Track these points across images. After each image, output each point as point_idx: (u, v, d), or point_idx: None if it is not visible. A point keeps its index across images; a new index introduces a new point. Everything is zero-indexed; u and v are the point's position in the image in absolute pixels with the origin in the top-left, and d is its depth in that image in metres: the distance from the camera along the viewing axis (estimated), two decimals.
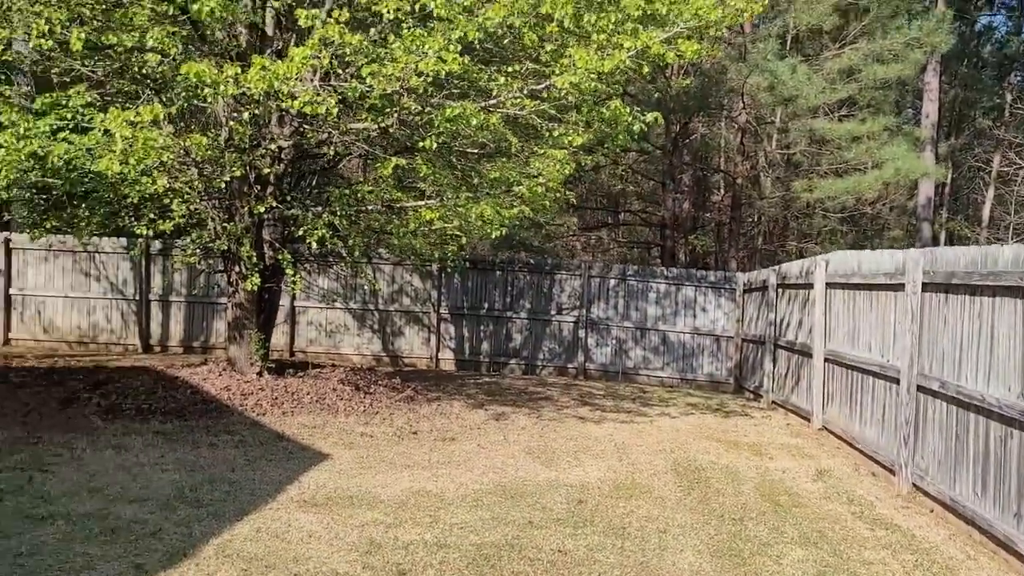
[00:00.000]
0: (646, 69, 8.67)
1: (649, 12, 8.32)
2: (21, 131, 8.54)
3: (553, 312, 16.06)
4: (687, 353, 15.88)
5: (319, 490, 6.87)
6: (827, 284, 10.74)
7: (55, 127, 9.19)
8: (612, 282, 16.04)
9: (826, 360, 10.64)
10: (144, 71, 9.80)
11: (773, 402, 13.13)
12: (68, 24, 8.74)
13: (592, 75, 8.16)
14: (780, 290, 13.09)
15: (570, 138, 9.06)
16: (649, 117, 8.77)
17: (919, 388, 7.65)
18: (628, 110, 8.75)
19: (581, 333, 15.94)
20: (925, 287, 7.63)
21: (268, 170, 9.99)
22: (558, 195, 10.95)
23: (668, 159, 20.62)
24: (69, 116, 9.45)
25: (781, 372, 12.89)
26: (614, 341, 15.99)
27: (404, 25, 8.47)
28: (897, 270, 8.36)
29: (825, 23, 18.56)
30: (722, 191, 24.29)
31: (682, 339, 15.88)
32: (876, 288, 8.98)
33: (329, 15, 8.22)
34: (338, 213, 10.29)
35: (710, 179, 25.25)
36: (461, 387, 13.15)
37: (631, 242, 26.44)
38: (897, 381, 8.13)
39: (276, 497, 6.60)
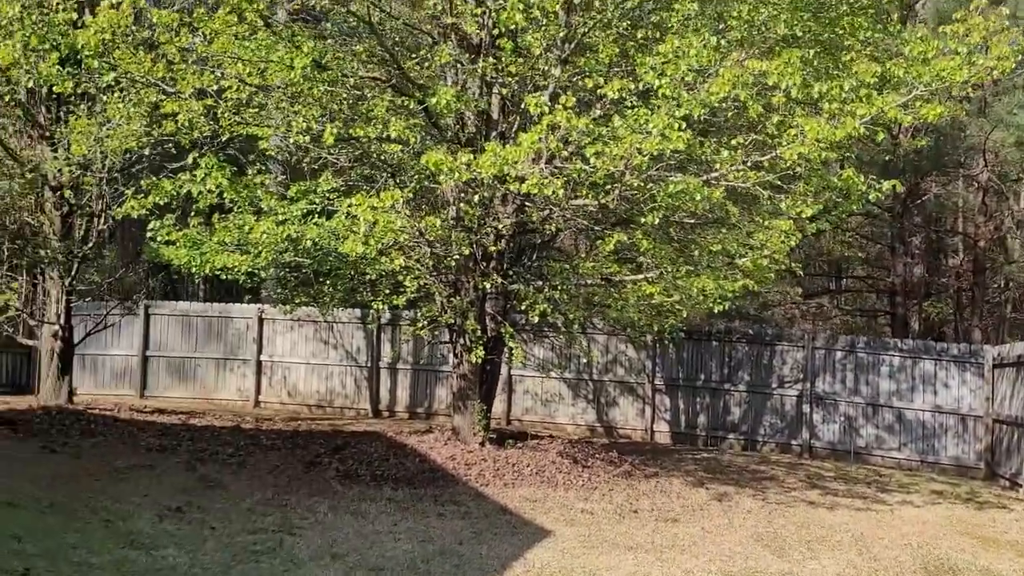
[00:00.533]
0: (881, 135, 8.23)
1: (885, 76, 7.92)
2: (279, 217, 9.47)
3: (774, 385, 15.33)
4: (927, 433, 14.52)
5: (544, 569, 6.87)
6: None
7: (305, 211, 10.12)
8: (839, 354, 15.08)
9: None
10: (383, 158, 10.61)
11: None
12: (319, 119, 9.69)
13: (822, 145, 7.85)
14: None
15: (799, 209, 8.72)
16: (886, 185, 8.28)
17: None
18: (862, 178, 8.31)
19: (805, 408, 15.06)
20: None
21: (492, 247, 10.40)
22: (782, 266, 10.54)
23: (898, 222, 19.34)
24: (317, 201, 10.39)
25: None
26: (842, 417, 14.96)
27: (626, 103, 8.60)
28: None
29: None
30: (960, 255, 22.38)
31: (921, 417, 14.56)
32: None
33: (553, 100, 8.53)
34: (558, 287, 10.49)
35: (945, 242, 23.37)
36: (679, 462, 12.78)
37: (856, 310, 24.88)
38: None
39: (503, 574, 6.66)
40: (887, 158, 17.63)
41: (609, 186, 8.97)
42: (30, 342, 14.84)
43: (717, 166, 8.80)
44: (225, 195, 9.90)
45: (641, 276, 10.36)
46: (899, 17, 14.19)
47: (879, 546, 8.24)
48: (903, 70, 8.01)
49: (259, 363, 16.98)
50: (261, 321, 16.99)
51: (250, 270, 10.35)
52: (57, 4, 9.29)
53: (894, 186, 8.46)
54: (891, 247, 20.29)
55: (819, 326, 24.93)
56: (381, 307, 11.26)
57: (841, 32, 8.89)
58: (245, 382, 17.04)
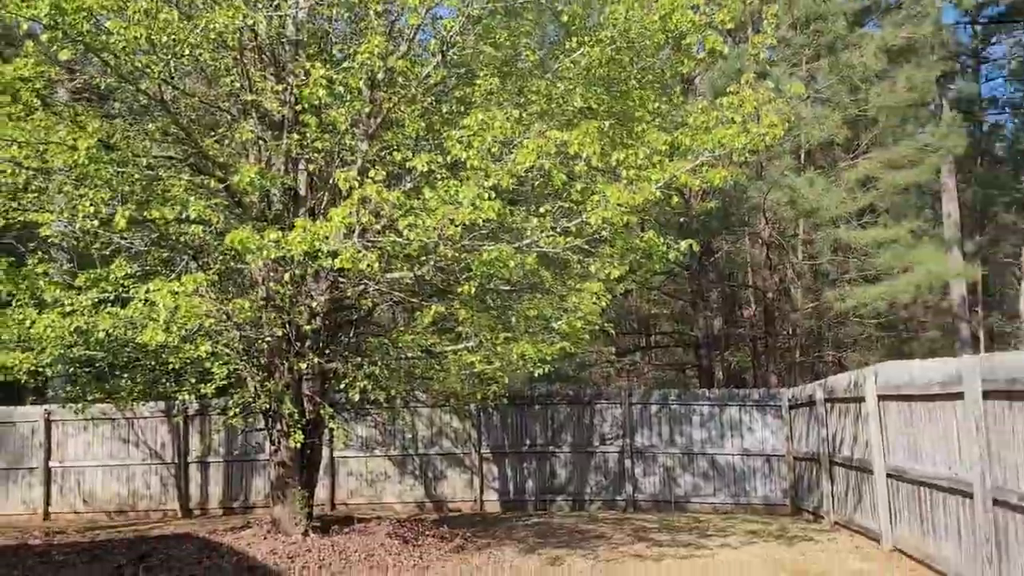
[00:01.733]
0: (675, 199, 8.80)
1: (674, 144, 8.49)
2: (66, 308, 8.69)
3: (596, 443, 15.69)
4: (738, 476, 15.35)
5: None
6: (879, 396, 10.43)
7: (97, 300, 9.37)
8: (654, 408, 15.72)
9: (888, 476, 10.20)
10: (183, 239, 10.05)
11: (836, 523, 12.55)
12: (109, 202, 9.06)
13: (624, 209, 8.25)
14: (828, 405, 12.75)
15: (607, 271, 9.08)
16: (683, 245, 8.80)
17: (995, 502, 7.26)
18: (662, 240, 8.80)
19: (627, 463, 15.51)
20: (987, 395, 7.38)
21: (307, 326, 10.05)
22: (596, 327, 10.90)
23: (696, 279, 20.66)
24: (111, 288, 9.66)
25: (841, 491, 12.37)
26: (661, 469, 15.53)
27: (436, 175, 8.68)
28: (950, 379, 8.11)
29: (837, 136, 18.95)
30: (753, 306, 24.20)
31: (731, 462, 15.39)
32: (933, 399, 8.70)
33: (363, 174, 8.46)
34: (378, 363, 10.27)
35: (739, 295, 25.22)
36: (510, 530, 12.70)
37: (666, 364, 26.18)
38: (970, 496, 7.74)
39: None
40: (682, 220, 18.91)
41: (424, 257, 8.96)
42: None
43: (528, 233, 9.02)
44: (1, 288, 9.01)
45: (461, 346, 10.35)
46: (680, 90, 15.44)
47: None
48: (689, 138, 8.63)
49: (48, 470, 15.31)
50: (48, 423, 15.37)
51: (33, 368, 9.41)
52: None
53: (691, 245, 9.01)
54: (692, 303, 21.61)
55: (634, 382, 26.00)
56: (188, 397, 10.56)
57: (632, 104, 9.49)
58: (32, 493, 15.28)
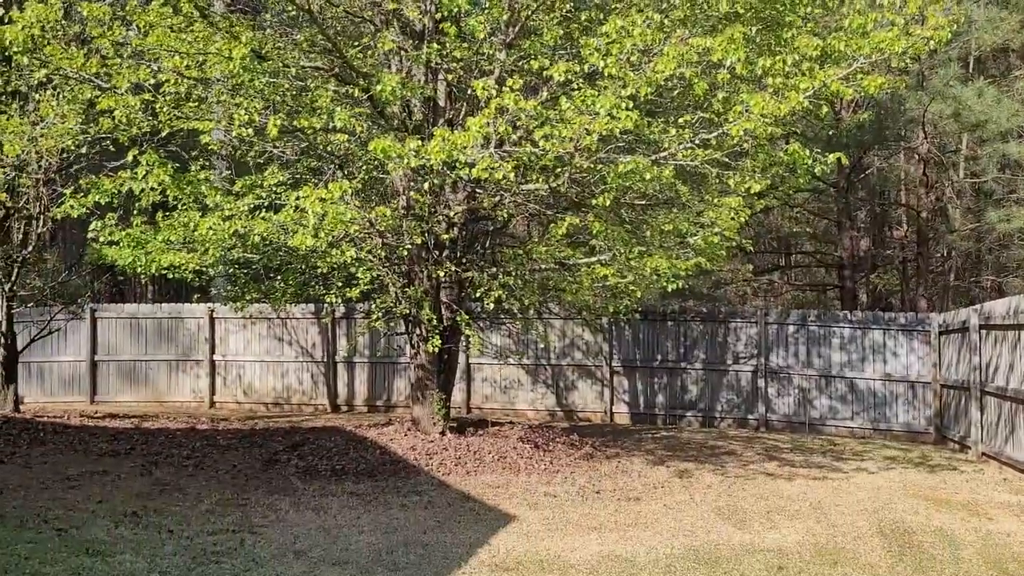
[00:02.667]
0: (825, 110, 8.35)
1: (826, 50, 8.01)
2: (226, 213, 9.28)
3: (729, 361, 15.52)
4: (878, 402, 14.85)
5: (509, 553, 6.86)
6: None
7: (252, 206, 9.94)
8: (791, 328, 15.33)
9: None
10: (329, 149, 10.45)
11: (983, 454, 12.01)
12: (263, 112, 9.49)
13: (768, 120, 7.93)
14: (984, 331, 12.04)
15: (747, 185, 8.81)
16: (831, 158, 8.40)
17: None
18: (807, 152, 8.41)
19: (760, 383, 15.29)
20: None
21: (445, 236, 10.33)
22: (733, 243, 10.65)
23: (843, 196, 19.67)
24: (264, 195, 10.21)
25: (991, 421, 11.78)
26: (796, 390, 15.22)
27: (573, 85, 8.58)
28: None
29: (1012, 41, 17.29)
30: (905, 226, 22.91)
31: (872, 386, 14.89)
32: None
33: (500, 84, 8.47)
34: (512, 274, 10.46)
35: (890, 214, 23.87)
36: (639, 442, 12.89)
37: (806, 284, 25.31)
38: None
39: (468, 561, 6.65)
40: (831, 133, 17.91)
41: (559, 169, 8.96)
42: None
43: (665, 145, 8.84)
44: (168, 192, 9.68)
45: (595, 259, 10.38)
46: None
47: (836, 513, 8.40)
48: (843, 43, 8.11)
49: (212, 363, 16.68)
50: (212, 320, 16.68)
51: (198, 268, 10.17)
52: None
53: (839, 159, 8.57)
54: (837, 222, 20.64)
55: (771, 302, 25.34)
56: (335, 300, 11.13)
57: (782, 8, 8.97)
58: (199, 383, 16.74)
